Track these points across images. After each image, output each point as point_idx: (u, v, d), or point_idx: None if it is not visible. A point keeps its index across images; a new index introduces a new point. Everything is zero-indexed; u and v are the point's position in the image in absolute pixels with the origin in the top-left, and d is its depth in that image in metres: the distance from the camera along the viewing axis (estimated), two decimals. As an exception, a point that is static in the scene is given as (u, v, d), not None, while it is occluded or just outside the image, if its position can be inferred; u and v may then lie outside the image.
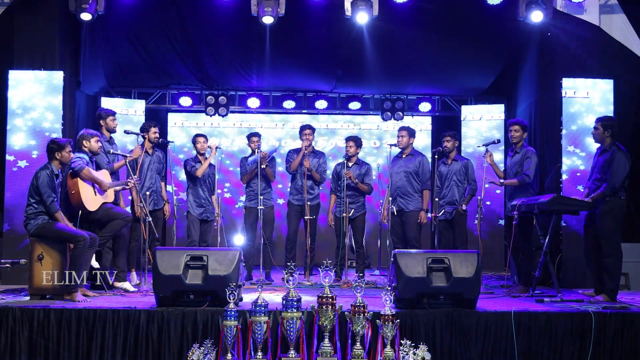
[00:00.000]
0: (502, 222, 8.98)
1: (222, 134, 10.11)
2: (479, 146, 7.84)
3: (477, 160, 8.52)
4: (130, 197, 6.97)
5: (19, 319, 4.87)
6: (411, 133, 7.35)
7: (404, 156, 7.33)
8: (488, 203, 8.91)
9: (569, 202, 6.10)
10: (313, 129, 7.53)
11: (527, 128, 6.78)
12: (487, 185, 7.04)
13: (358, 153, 7.43)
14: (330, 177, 7.64)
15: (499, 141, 7.22)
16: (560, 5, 7.24)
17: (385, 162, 8.65)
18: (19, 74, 7.06)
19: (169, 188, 7.51)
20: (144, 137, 6.99)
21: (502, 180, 6.80)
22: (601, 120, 6.04)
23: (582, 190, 6.56)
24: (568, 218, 6.96)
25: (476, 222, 7.30)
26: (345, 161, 7.31)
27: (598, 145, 6.13)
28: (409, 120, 9.82)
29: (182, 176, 8.99)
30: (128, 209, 6.97)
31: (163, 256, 5.05)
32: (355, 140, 7.42)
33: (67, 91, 7.23)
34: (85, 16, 6.95)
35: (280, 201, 9.55)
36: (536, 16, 7.06)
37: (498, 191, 8.88)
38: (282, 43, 7.96)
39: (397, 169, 7.26)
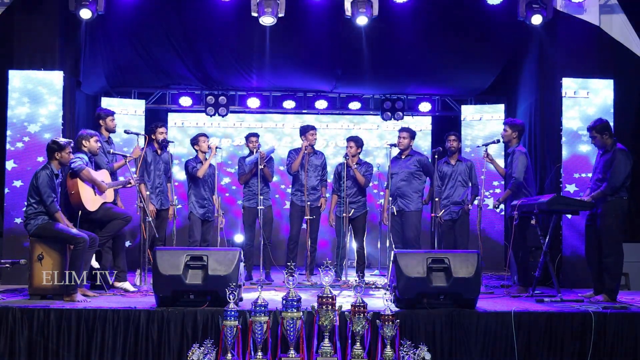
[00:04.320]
0: (501, 222, 8.99)
1: (223, 134, 10.13)
2: (478, 146, 7.84)
3: (477, 160, 8.51)
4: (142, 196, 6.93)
5: (19, 319, 4.87)
6: (412, 135, 7.37)
7: (403, 157, 7.34)
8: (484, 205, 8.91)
9: (569, 202, 6.09)
10: (316, 130, 7.55)
11: (519, 127, 6.65)
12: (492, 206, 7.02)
13: (359, 153, 7.43)
14: (332, 177, 7.60)
15: (498, 141, 7.19)
16: (560, 5, 7.23)
17: (385, 162, 8.63)
18: (19, 73, 7.05)
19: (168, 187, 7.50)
20: (152, 139, 7.00)
21: (499, 200, 6.85)
22: (594, 127, 5.93)
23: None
24: (568, 218, 6.96)
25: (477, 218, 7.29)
26: (345, 161, 7.31)
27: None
28: (409, 120, 9.82)
29: (180, 177, 9.04)
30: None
31: (163, 256, 5.05)
32: (355, 141, 7.41)
33: (67, 91, 7.23)
34: (85, 13, 6.91)
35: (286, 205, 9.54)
36: (536, 19, 7.07)
37: (498, 190, 8.88)
38: (282, 43, 7.96)
39: (398, 169, 7.27)
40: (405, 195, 7.21)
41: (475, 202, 7.08)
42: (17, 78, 7.04)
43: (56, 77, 7.08)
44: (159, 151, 7.08)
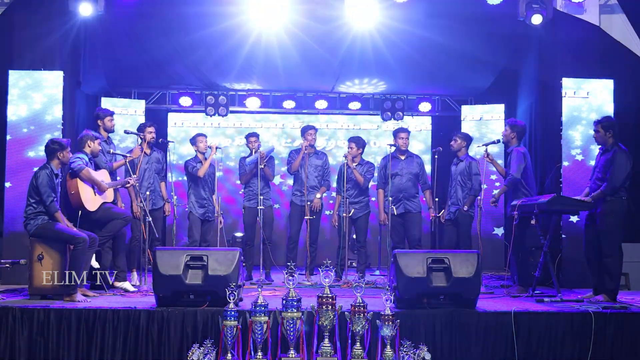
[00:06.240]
0: (501, 223, 8.99)
1: (223, 134, 10.13)
2: (478, 146, 7.84)
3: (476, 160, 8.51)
4: (130, 197, 6.95)
5: (19, 319, 4.87)
6: (409, 134, 7.43)
7: (403, 157, 7.34)
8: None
9: (569, 202, 6.09)
10: (316, 130, 7.55)
11: (518, 129, 6.65)
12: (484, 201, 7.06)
13: (360, 153, 7.42)
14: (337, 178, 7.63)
15: (499, 141, 7.20)
16: (560, 5, 7.24)
17: (385, 162, 8.62)
18: (19, 74, 7.05)
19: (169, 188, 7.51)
20: (142, 138, 7.00)
21: (495, 196, 7.01)
22: (601, 122, 5.99)
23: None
24: (568, 218, 6.95)
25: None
26: (345, 161, 7.31)
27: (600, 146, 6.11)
28: (409, 120, 9.82)
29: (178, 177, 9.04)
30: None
31: (163, 256, 5.05)
32: (356, 142, 7.41)
33: (67, 91, 7.22)
34: (85, 9, 6.82)
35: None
36: (536, 19, 7.07)
37: (495, 193, 8.87)
38: (282, 43, 7.95)
39: (400, 171, 7.27)
40: (412, 196, 7.25)
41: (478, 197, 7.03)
42: (17, 78, 7.01)
43: (56, 77, 7.05)
44: (148, 151, 7.05)
